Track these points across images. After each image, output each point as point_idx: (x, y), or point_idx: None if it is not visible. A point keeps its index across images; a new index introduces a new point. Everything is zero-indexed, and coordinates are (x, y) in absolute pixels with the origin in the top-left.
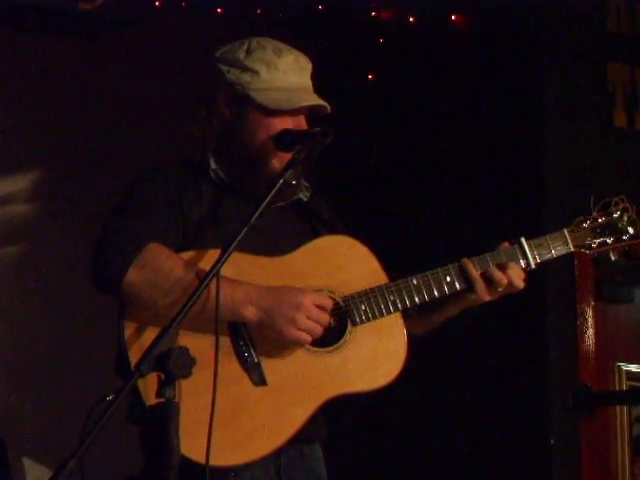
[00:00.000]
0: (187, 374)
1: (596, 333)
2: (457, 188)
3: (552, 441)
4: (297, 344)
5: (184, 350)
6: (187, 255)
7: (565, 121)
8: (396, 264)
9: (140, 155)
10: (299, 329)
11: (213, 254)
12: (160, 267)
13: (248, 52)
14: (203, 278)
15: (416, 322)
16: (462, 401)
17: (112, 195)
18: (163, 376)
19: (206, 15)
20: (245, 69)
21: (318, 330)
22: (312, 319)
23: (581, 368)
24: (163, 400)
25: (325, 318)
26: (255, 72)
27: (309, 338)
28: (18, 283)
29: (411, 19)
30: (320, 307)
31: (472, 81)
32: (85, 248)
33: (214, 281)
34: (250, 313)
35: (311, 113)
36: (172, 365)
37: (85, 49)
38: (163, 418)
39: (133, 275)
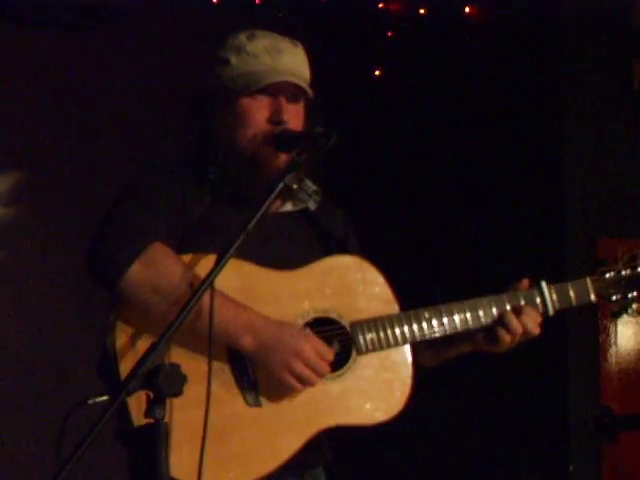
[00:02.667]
0: (178, 392)
1: (620, 351)
2: (467, 190)
3: (571, 468)
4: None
5: (175, 367)
6: (189, 258)
7: (586, 123)
8: (401, 283)
9: (127, 156)
10: (293, 376)
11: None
12: (164, 270)
13: (222, 43)
14: (196, 289)
15: (427, 353)
16: (476, 423)
17: (97, 198)
18: (152, 395)
19: (201, 5)
20: (218, 61)
21: (313, 380)
22: (310, 367)
23: (604, 389)
24: (152, 421)
25: (324, 368)
26: (226, 61)
27: (301, 388)
28: None
29: (422, 11)
30: (320, 355)
31: (486, 78)
32: (67, 253)
33: (209, 293)
34: (247, 343)
35: (295, 98)
36: (162, 383)
37: (70, 42)
38: (152, 440)
39: (135, 272)
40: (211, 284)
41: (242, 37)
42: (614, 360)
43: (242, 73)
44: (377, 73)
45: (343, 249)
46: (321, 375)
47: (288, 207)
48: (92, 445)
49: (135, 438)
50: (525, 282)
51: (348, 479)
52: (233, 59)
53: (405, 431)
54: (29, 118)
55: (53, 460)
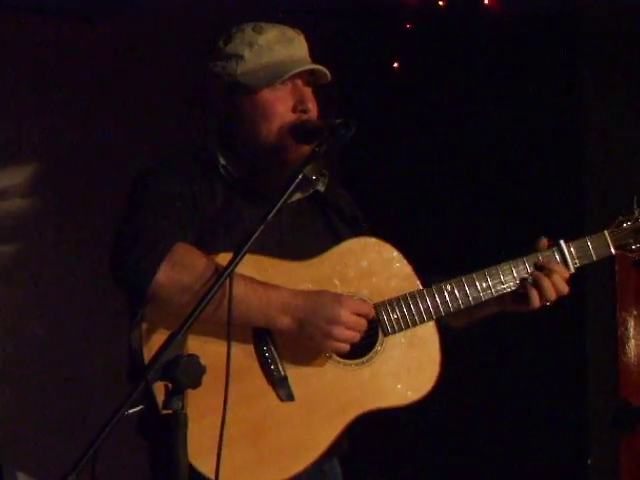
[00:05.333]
0: (197, 384)
1: (638, 344)
2: (488, 182)
3: (589, 461)
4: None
5: (194, 358)
6: (218, 258)
7: (605, 113)
8: (427, 265)
9: (142, 147)
10: (337, 341)
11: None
12: (193, 269)
13: (228, 39)
14: (215, 280)
15: (455, 317)
16: (494, 416)
17: (113, 189)
18: (171, 386)
19: None
20: (229, 57)
21: (356, 338)
22: (350, 328)
23: (622, 381)
24: (170, 412)
25: (363, 324)
26: (239, 56)
27: (347, 347)
28: (13, 283)
29: (440, 3)
30: (359, 315)
31: (505, 70)
32: (85, 246)
33: (235, 284)
34: (286, 324)
35: (313, 84)
36: (180, 374)
37: (82, 32)
38: (171, 431)
39: (164, 275)
40: (230, 274)
41: (249, 31)
42: (632, 353)
43: (260, 66)
44: (395, 66)
45: (356, 225)
46: (361, 331)
47: (297, 195)
48: (111, 435)
49: (156, 429)
50: (544, 242)
51: (361, 470)
52: (247, 53)
53: (417, 418)
54: (43, 109)
55: (64, 457)
